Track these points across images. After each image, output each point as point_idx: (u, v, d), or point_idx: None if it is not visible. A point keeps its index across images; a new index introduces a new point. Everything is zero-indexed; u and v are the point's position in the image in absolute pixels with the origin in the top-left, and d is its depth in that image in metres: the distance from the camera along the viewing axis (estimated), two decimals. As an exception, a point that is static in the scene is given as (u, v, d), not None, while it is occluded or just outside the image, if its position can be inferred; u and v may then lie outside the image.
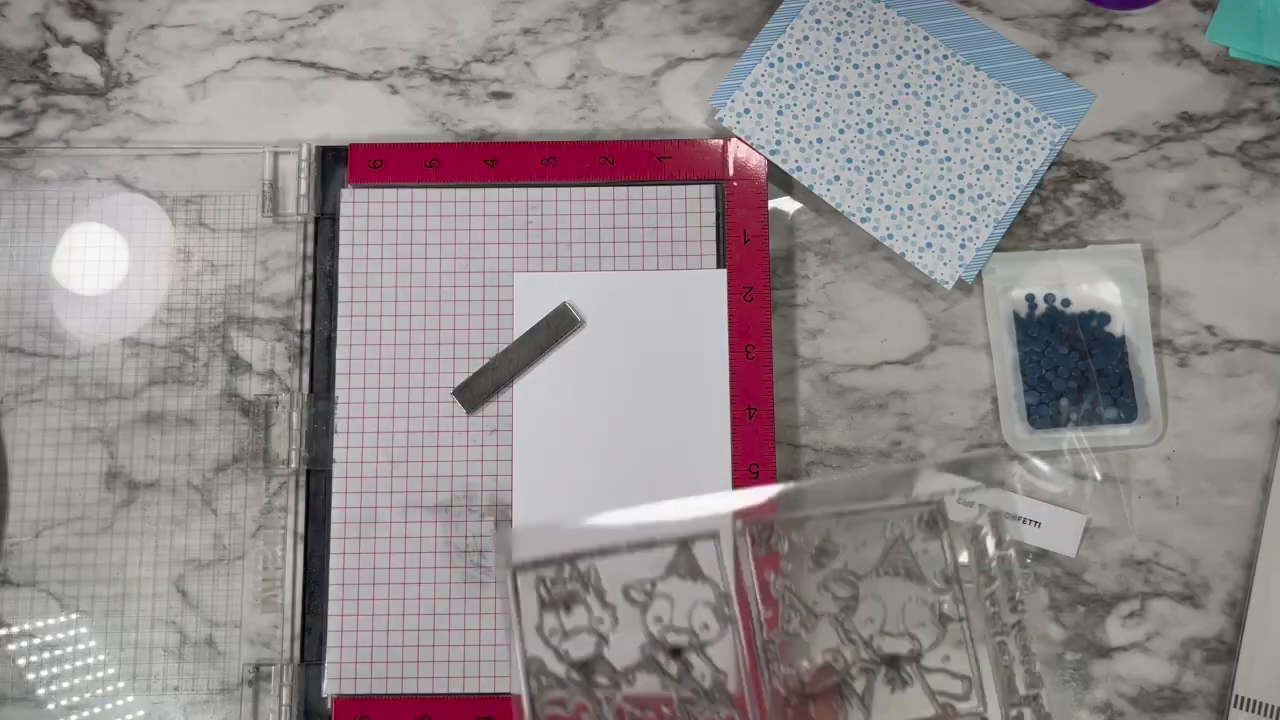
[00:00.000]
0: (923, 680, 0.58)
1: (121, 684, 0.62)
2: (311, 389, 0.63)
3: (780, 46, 0.65)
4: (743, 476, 0.61)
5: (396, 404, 0.63)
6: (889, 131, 0.65)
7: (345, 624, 0.61)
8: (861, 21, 0.66)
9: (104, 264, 0.66)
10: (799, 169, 0.64)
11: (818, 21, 0.66)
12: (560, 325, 0.63)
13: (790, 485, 0.60)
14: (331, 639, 0.61)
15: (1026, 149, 0.65)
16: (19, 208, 0.66)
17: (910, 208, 0.64)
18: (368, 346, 0.63)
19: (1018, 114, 0.65)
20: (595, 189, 0.64)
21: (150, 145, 0.67)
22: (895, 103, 0.65)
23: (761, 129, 0.64)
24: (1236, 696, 0.61)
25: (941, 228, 0.64)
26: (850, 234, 0.65)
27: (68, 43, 0.68)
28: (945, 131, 0.65)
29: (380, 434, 0.62)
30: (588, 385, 0.63)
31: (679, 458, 0.62)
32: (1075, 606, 0.62)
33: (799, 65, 0.65)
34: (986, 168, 0.64)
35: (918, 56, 0.66)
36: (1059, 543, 0.62)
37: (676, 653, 0.58)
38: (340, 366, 0.63)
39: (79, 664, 0.62)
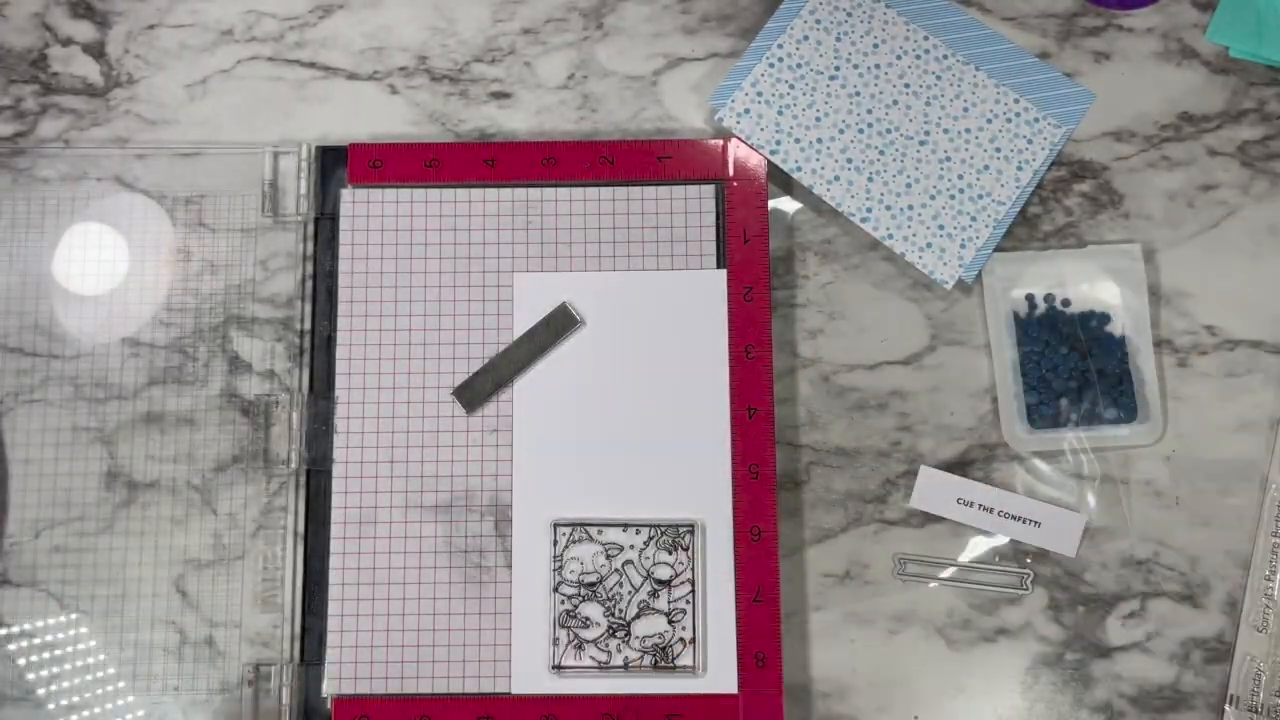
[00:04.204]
0: None
1: (121, 684, 0.62)
2: (311, 389, 0.63)
3: (780, 46, 0.65)
4: (743, 476, 0.61)
5: (396, 404, 0.63)
6: (889, 131, 0.65)
7: (345, 624, 0.61)
8: (861, 21, 0.66)
9: (104, 264, 0.66)
10: (799, 169, 0.64)
11: (818, 21, 0.66)
12: (560, 325, 0.63)
13: None
14: (331, 639, 0.61)
15: (1026, 149, 0.65)
16: (19, 208, 0.66)
17: (910, 208, 0.64)
18: (368, 346, 0.63)
19: (1018, 114, 0.65)
20: (595, 189, 0.64)
21: (150, 145, 0.67)
22: (895, 103, 0.65)
23: (761, 129, 0.64)
24: (1233, 696, 0.61)
25: (941, 228, 0.64)
26: (850, 234, 0.65)
27: (68, 43, 0.68)
28: (945, 131, 0.65)
29: (380, 434, 0.62)
30: (588, 385, 0.63)
31: (679, 458, 0.62)
32: (1075, 606, 0.62)
33: (799, 65, 0.65)
34: (986, 168, 0.64)
35: (918, 56, 0.66)
36: (1059, 543, 0.62)
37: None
38: (340, 366, 0.63)
39: (79, 664, 0.62)
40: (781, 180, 0.66)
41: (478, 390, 0.63)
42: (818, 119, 0.65)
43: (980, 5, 0.67)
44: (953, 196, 0.64)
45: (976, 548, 0.63)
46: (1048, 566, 0.62)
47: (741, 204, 0.64)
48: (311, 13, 0.68)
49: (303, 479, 0.63)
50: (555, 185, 0.65)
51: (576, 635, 0.60)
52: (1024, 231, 0.65)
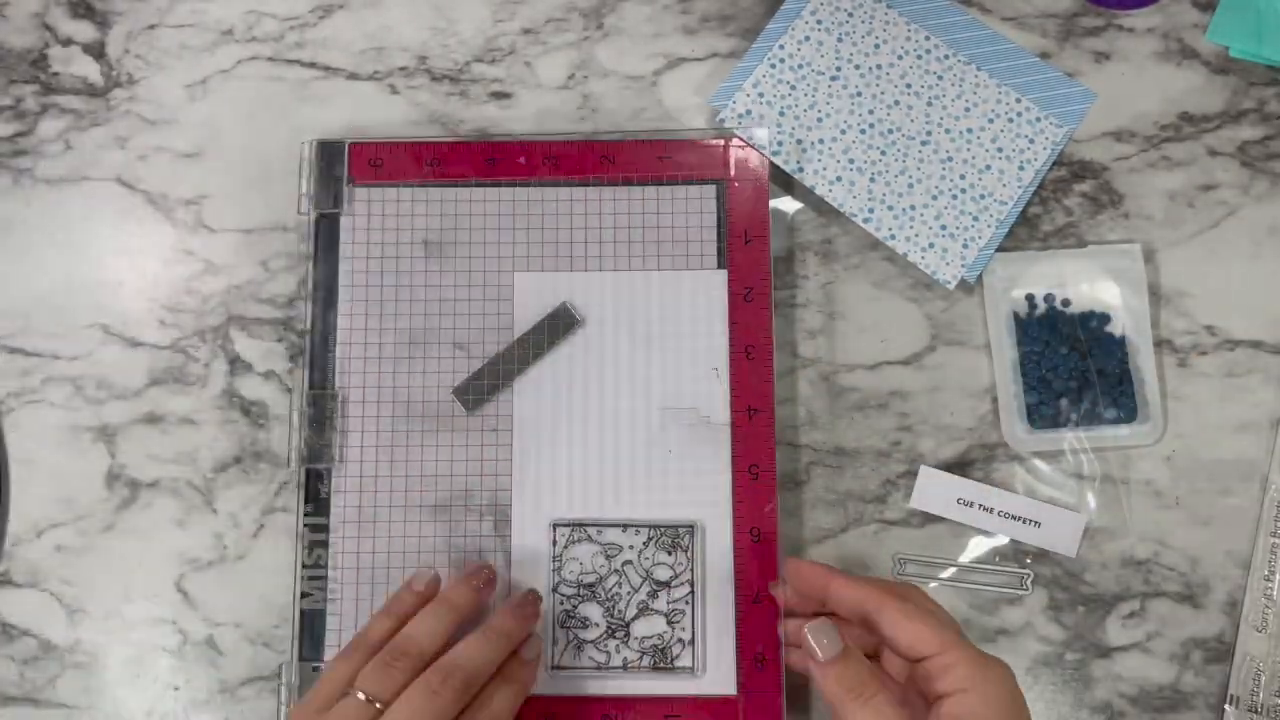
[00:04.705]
0: None
1: (121, 684, 0.62)
2: (311, 388, 0.63)
3: (782, 47, 0.65)
4: (742, 477, 0.61)
5: (396, 403, 0.63)
6: (891, 132, 0.65)
7: (345, 624, 0.61)
8: (863, 22, 0.66)
9: (104, 264, 0.66)
10: (800, 170, 0.64)
11: (819, 22, 0.66)
12: (560, 325, 0.63)
13: None
14: (331, 639, 0.61)
15: (1028, 148, 0.65)
16: (19, 208, 0.66)
17: (912, 208, 0.64)
18: (368, 345, 0.63)
19: (1019, 114, 0.65)
20: (596, 189, 0.64)
21: (150, 145, 0.67)
22: (897, 103, 0.65)
23: (763, 130, 0.64)
24: (1233, 696, 0.61)
25: (944, 228, 0.64)
26: (850, 234, 0.65)
27: (68, 43, 0.68)
28: (947, 131, 0.65)
29: (380, 434, 0.62)
30: (587, 385, 0.63)
31: (679, 458, 0.62)
32: (1075, 606, 0.62)
33: (800, 66, 0.65)
34: (988, 167, 0.64)
35: (919, 56, 0.66)
36: (1059, 543, 0.62)
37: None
38: (340, 366, 0.63)
39: (79, 664, 0.62)
40: (782, 180, 0.66)
41: (478, 390, 0.63)
42: (819, 120, 0.65)
43: (980, 5, 0.67)
44: (955, 196, 0.64)
45: (976, 548, 0.63)
46: (1048, 566, 0.62)
47: (742, 204, 0.64)
48: (312, 13, 0.68)
49: (303, 479, 0.63)
50: (556, 185, 0.65)
51: (575, 635, 0.60)
52: (1024, 231, 0.65)
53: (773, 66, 0.65)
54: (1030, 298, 0.64)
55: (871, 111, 0.65)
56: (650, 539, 0.61)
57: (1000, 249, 0.64)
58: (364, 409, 0.62)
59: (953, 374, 0.64)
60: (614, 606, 0.61)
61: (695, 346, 0.63)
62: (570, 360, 0.63)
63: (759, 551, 0.61)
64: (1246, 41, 0.66)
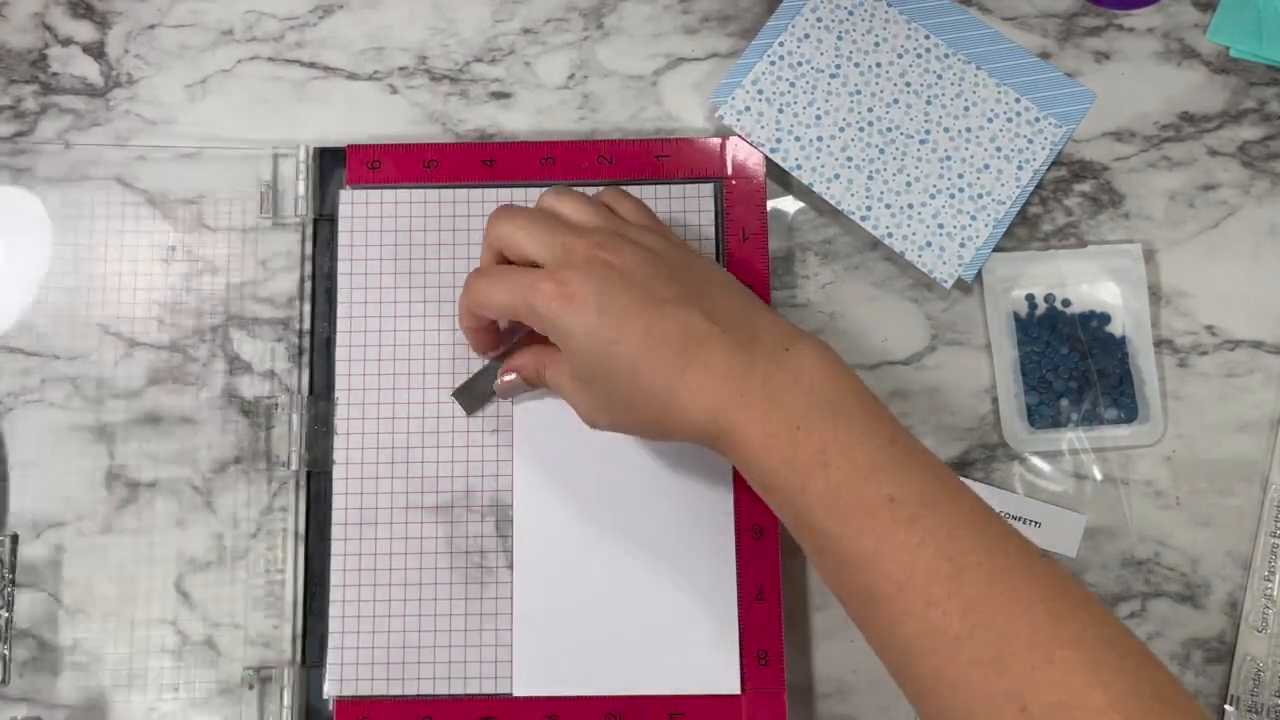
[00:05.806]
0: None
1: (121, 684, 0.62)
2: (311, 389, 0.63)
3: (782, 44, 0.65)
4: (742, 477, 0.61)
5: (396, 404, 0.63)
6: (889, 130, 0.65)
7: (346, 625, 0.61)
8: (863, 20, 0.66)
9: (104, 264, 0.66)
10: (799, 167, 0.64)
11: (819, 20, 0.66)
12: (560, 325, 0.63)
13: None
14: (332, 640, 0.61)
15: (1027, 148, 0.65)
16: (18, 208, 0.66)
17: (910, 207, 0.64)
18: (367, 347, 0.63)
19: (1018, 113, 0.65)
20: (595, 189, 0.64)
21: (150, 145, 0.67)
22: (896, 101, 0.65)
23: (761, 127, 0.64)
24: (1234, 696, 0.61)
25: (941, 226, 0.64)
26: (850, 234, 0.65)
27: (67, 43, 0.68)
28: (946, 130, 0.65)
29: (380, 434, 0.62)
30: (588, 385, 0.63)
31: (680, 456, 0.62)
32: (1075, 606, 0.62)
33: (800, 64, 0.65)
34: (987, 167, 0.64)
35: (919, 55, 0.66)
36: (1059, 543, 0.62)
37: None
38: (340, 367, 0.63)
39: (79, 664, 0.62)
40: (781, 179, 0.66)
41: (477, 391, 0.62)
42: (818, 117, 0.65)
43: (980, 5, 0.67)
44: (953, 195, 0.64)
45: (976, 548, 0.63)
46: (1048, 566, 0.62)
47: (740, 203, 0.64)
48: (311, 13, 0.68)
49: (303, 480, 0.63)
50: (555, 185, 0.64)
51: (577, 636, 0.60)
52: (1024, 231, 0.65)
53: (772, 64, 0.65)
54: (1030, 298, 0.64)
55: (870, 109, 0.65)
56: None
57: (1000, 249, 0.64)
58: (364, 410, 0.62)
59: (953, 374, 0.64)
60: (614, 607, 0.61)
61: (695, 347, 0.63)
62: (570, 360, 0.63)
63: (761, 549, 0.61)
64: (1246, 41, 0.66)
